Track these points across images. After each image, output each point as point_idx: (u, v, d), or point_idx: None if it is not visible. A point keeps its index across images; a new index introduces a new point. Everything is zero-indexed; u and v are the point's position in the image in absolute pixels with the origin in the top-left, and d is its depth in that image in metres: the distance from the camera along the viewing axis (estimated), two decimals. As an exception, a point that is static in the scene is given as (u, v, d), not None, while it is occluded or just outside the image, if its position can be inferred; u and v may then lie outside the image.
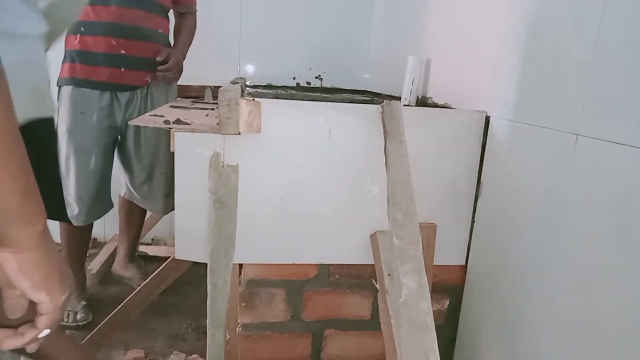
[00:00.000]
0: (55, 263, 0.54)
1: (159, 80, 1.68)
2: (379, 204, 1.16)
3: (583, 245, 0.86)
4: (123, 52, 1.59)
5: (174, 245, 1.16)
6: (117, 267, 2.00)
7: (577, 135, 0.87)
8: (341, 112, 1.12)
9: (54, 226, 1.69)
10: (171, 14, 1.84)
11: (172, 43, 1.83)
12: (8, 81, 0.45)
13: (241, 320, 1.22)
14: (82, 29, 1.57)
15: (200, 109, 1.59)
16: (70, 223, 1.64)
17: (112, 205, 1.77)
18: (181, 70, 1.77)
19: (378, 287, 1.12)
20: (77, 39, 1.58)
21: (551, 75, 0.96)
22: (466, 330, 1.27)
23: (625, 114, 0.77)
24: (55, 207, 1.68)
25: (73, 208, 1.63)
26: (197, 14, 1.89)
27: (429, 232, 1.19)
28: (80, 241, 1.74)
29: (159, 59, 1.65)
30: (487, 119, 1.18)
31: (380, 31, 2.28)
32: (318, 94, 1.87)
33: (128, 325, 1.41)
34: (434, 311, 0.91)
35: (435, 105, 1.48)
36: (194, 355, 1.48)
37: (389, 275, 1.05)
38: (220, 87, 1.07)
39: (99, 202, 1.69)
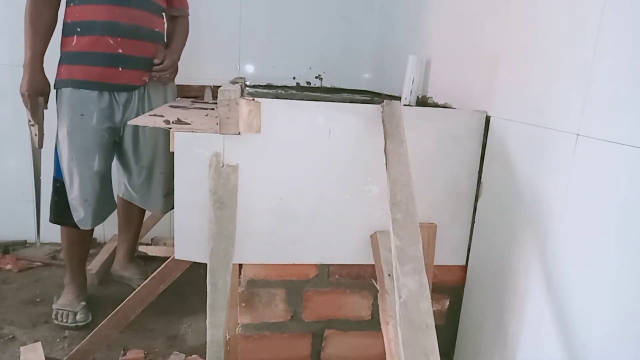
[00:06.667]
0: None
1: (154, 80, 1.68)
2: (379, 204, 1.16)
3: (583, 245, 0.86)
4: (120, 51, 1.58)
5: (173, 245, 1.16)
6: (117, 268, 2.00)
7: (577, 135, 0.87)
8: (341, 112, 1.12)
9: (56, 228, 1.68)
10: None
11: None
12: None
13: (241, 320, 1.22)
14: (79, 29, 1.56)
15: (200, 109, 1.59)
16: (77, 227, 1.63)
17: (115, 206, 1.77)
18: (176, 71, 1.77)
19: (378, 287, 1.12)
20: (74, 41, 1.57)
21: (551, 75, 0.96)
22: (466, 330, 1.27)
23: (625, 114, 0.77)
24: (59, 211, 1.70)
25: (79, 212, 1.61)
26: (189, 17, 1.88)
27: (429, 232, 1.19)
28: (81, 243, 1.73)
29: (156, 61, 1.65)
30: (487, 119, 1.18)
31: (380, 31, 2.28)
32: (318, 94, 1.88)
33: (128, 326, 1.41)
34: (434, 311, 0.91)
35: (435, 105, 1.48)
36: (193, 356, 1.48)
37: (389, 275, 1.05)
38: (220, 87, 1.07)
39: (105, 203, 1.68)
